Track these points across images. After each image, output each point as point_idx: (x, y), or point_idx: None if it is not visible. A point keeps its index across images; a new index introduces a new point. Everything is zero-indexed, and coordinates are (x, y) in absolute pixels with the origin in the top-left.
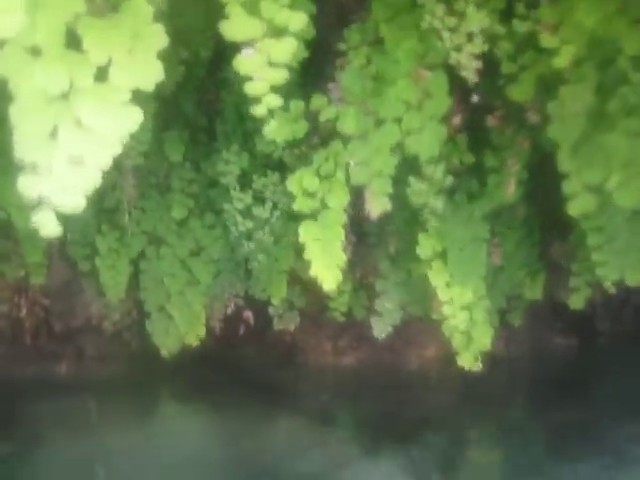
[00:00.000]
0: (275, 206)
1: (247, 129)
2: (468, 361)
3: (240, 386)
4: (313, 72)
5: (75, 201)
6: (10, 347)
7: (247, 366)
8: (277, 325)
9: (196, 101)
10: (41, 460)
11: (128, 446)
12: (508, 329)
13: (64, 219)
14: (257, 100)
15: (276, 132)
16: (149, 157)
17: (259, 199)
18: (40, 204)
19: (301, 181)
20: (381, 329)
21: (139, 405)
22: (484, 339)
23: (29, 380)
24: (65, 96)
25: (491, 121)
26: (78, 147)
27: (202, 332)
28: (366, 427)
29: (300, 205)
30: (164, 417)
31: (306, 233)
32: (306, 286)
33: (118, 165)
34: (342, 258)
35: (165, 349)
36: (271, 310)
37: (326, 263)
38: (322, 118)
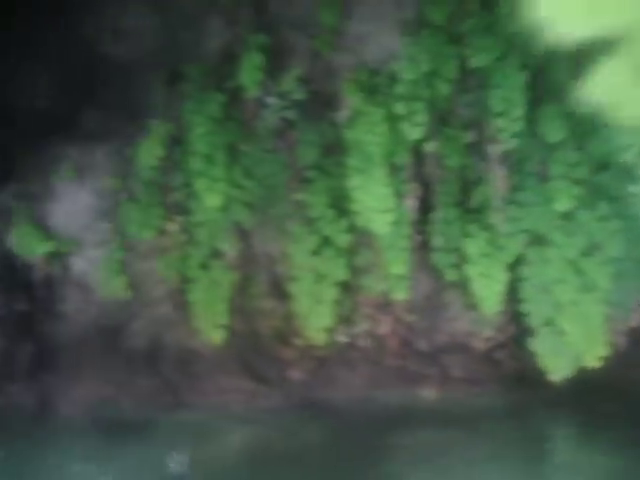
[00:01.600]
0: None
1: None
2: None
3: None
4: None
5: None
6: (372, 368)
7: None
8: None
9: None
10: None
11: None
12: None
13: None
14: None
15: None
16: (521, 140)
17: None
18: None
19: None
20: None
21: (515, 439)
22: None
23: (393, 406)
24: None
25: None
26: None
27: (603, 350)
28: None
29: None
30: (551, 461)
31: None
32: None
33: (481, 154)
34: None
35: (555, 372)
36: None
37: None
38: None
